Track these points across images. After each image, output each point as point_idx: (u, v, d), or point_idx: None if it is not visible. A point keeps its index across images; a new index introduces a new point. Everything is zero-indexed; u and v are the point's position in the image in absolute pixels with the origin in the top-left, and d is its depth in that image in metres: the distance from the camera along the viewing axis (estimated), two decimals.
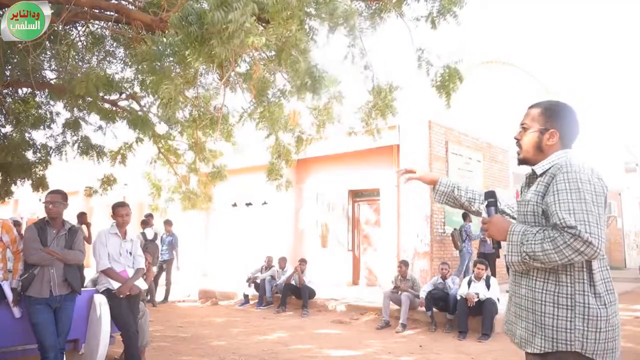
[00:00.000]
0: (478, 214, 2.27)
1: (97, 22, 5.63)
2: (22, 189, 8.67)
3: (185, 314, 8.57)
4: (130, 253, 4.56)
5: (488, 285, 6.67)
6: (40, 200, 4.95)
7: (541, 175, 1.86)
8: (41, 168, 7.92)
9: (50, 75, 6.97)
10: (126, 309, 4.34)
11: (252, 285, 9.39)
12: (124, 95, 6.77)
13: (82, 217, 8.67)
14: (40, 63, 6.10)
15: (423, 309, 7.06)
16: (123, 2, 5.38)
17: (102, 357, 4.13)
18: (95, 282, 4.69)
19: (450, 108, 5.12)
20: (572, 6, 44.69)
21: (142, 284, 4.60)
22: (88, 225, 8.64)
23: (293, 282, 8.72)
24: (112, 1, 4.98)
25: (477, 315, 6.50)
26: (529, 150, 1.92)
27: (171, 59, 3.92)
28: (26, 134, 7.40)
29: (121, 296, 4.28)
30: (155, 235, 9.41)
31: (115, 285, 4.31)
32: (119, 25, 5.20)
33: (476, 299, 6.48)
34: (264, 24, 3.31)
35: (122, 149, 7.63)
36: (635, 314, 7.85)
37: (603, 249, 1.61)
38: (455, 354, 5.63)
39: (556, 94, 12.90)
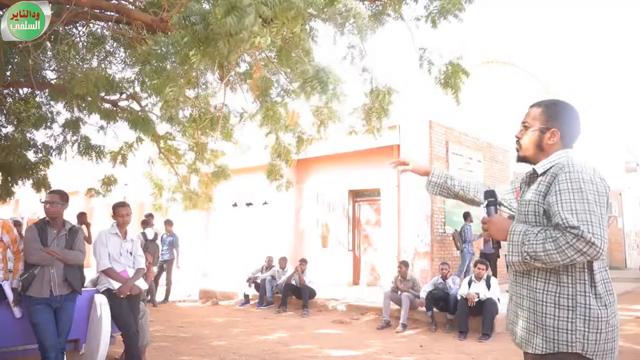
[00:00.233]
0: (474, 202, 2.27)
1: (97, 22, 5.62)
2: (23, 189, 8.66)
3: (185, 314, 8.57)
4: (131, 253, 4.56)
5: (488, 285, 6.66)
6: (41, 200, 4.96)
7: (542, 174, 1.84)
8: (42, 168, 7.91)
9: (50, 75, 6.98)
10: (127, 309, 4.34)
11: (253, 285, 9.38)
12: (124, 96, 6.77)
13: (82, 217, 8.67)
14: (41, 63, 6.10)
15: (423, 309, 7.05)
16: (123, 2, 5.38)
17: (102, 357, 4.13)
18: (95, 282, 4.69)
19: (460, 104, 4.97)
20: (572, 6, 44.68)
21: (142, 284, 4.61)
22: (88, 225, 8.63)
23: (293, 282, 8.71)
24: (113, 1, 4.98)
25: (478, 315, 6.50)
26: (529, 148, 1.91)
27: (174, 59, 3.91)
28: (27, 134, 7.40)
29: (122, 296, 4.29)
30: (156, 235, 9.42)
31: (115, 285, 4.31)
32: (120, 25, 5.19)
33: (476, 299, 6.48)
34: (265, 23, 3.30)
35: (122, 149, 7.63)
36: (635, 314, 7.84)
37: (605, 250, 1.60)
38: (455, 354, 5.62)
39: (556, 93, 12.87)
